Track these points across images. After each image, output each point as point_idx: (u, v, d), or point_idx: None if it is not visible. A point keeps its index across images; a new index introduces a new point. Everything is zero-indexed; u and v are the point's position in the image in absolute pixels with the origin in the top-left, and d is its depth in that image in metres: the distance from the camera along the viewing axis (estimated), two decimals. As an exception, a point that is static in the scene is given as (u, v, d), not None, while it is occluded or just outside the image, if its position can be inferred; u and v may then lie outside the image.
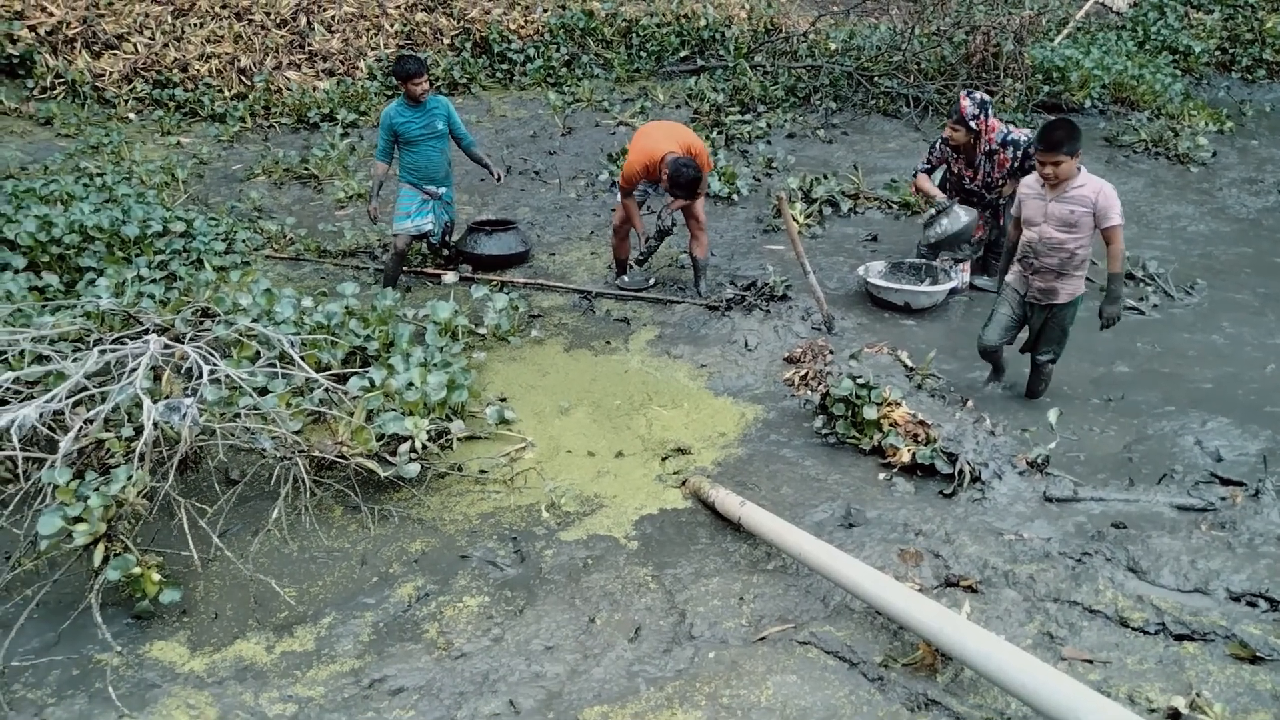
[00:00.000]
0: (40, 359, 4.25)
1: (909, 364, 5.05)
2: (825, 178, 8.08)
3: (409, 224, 6.21)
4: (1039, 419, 4.53)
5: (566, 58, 11.11)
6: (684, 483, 4.08)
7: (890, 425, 4.23)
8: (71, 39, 9.78)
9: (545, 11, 11.64)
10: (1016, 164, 5.76)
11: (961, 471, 3.97)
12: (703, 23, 11.58)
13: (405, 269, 6.50)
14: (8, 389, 3.90)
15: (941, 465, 4.02)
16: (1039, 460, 4.06)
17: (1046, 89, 9.90)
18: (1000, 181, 5.86)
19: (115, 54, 9.81)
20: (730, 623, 3.21)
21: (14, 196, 6.80)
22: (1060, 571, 3.30)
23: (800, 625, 3.17)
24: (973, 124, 5.67)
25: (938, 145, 5.99)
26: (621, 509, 3.92)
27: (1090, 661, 2.90)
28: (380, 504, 3.89)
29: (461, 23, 11.17)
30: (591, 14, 11.41)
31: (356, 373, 4.45)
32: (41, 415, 3.63)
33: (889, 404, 4.31)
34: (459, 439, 4.34)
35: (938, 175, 6.19)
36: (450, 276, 6.48)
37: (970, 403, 4.70)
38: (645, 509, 3.92)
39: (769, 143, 9.28)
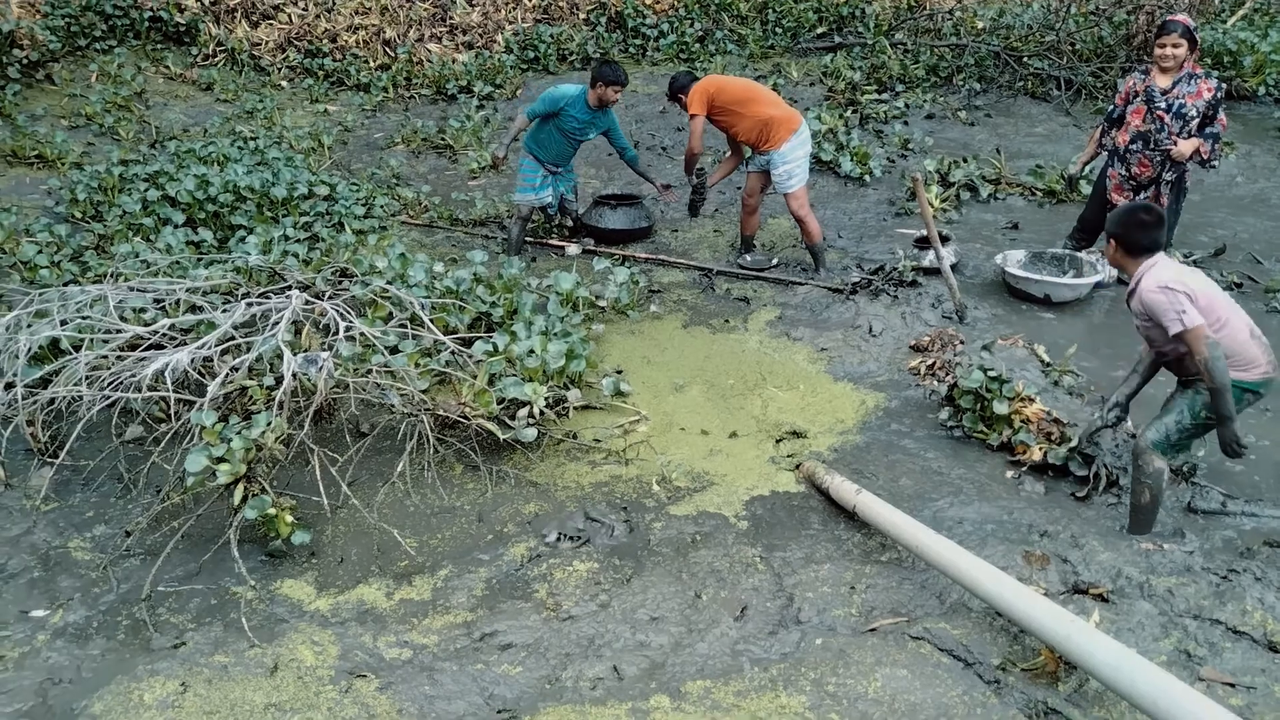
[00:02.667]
0: (194, 309, 4.53)
1: (1046, 359, 4.80)
2: (964, 161, 7.75)
3: (532, 196, 6.31)
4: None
5: (700, 33, 11.01)
6: (798, 466, 4.01)
7: (1022, 422, 4.03)
8: (233, 9, 10.33)
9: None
10: (1219, 99, 5.35)
11: (1097, 475, 3.75)
12: (842, -1, 11.25)
13: (530, 239, 6.61)
14: (164, 335, 4.18)
15: (1075, 467, 3.81)
16: (1185, 469, 3.79)
17: (1217, 74, 9.18)
18: (1194, 117, 5.39)
19: (271, 24, 10.31)
20: (840, 611, 3.14)
21: (176, 156, 7.27)
22: (1203, 587, 3.08)
23: (913, 620, 3.07)
24: (1195, 35, 5.37)
25: (1128, 80, 5.60)
26: (733, 488, 3.89)
27: (1232, 685, 2.70)
28: (498, 465, 3.99)
29: (598, -3, 11.21)
30: (729, -11, 11.25)
31: (481, 337, 4.56)
32: (193, 361, 3.88)
33: (1021, 399, 4.10)
34: (575, 408, 4.39)
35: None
36: (573, 249, 6.55)
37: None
38: (757, 490, 3.87)
39: (906, 123, 8.96)
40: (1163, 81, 5.45)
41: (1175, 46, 5.35)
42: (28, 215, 6.35)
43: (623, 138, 6.35)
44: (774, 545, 3.50)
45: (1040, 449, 3.90)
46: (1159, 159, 5.52)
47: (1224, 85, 5.54)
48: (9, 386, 3.86)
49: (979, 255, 6.34)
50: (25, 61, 8.62)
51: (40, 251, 5.37)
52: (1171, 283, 3.22)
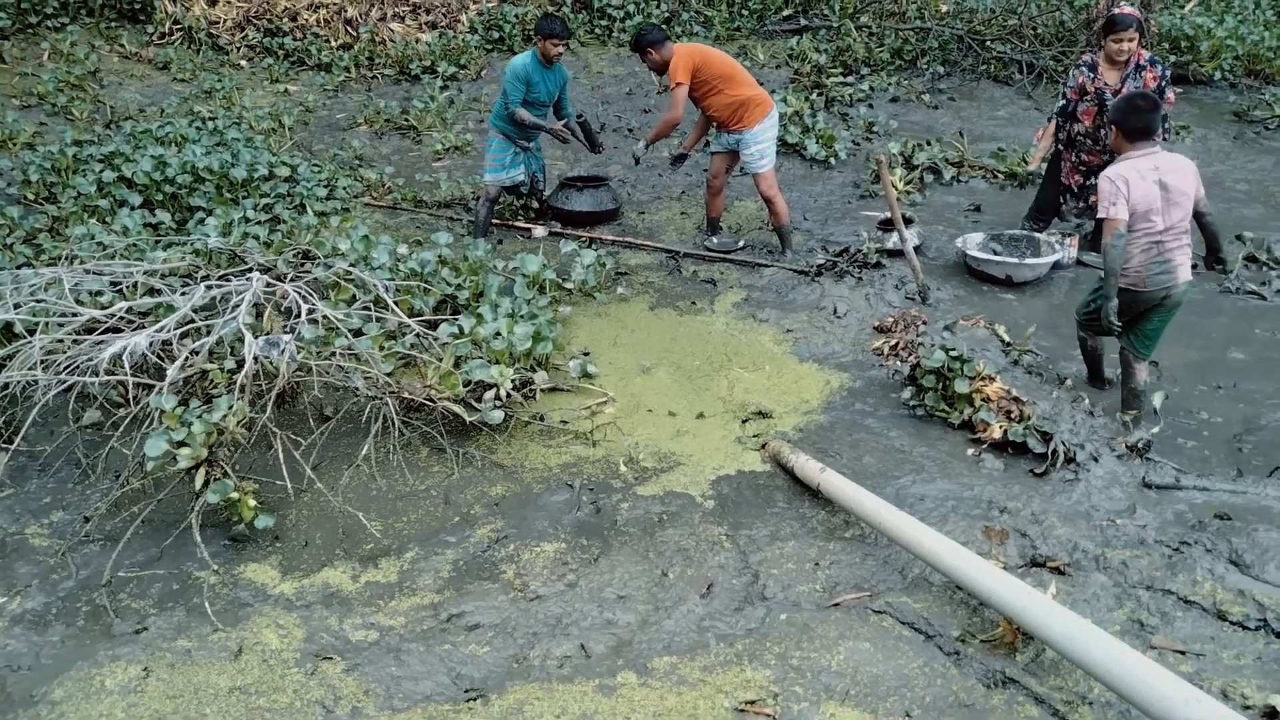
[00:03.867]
0: (152, 291, 4.46)
1: (1006, 339, 4.88)
2: (928, 144, 7.81)
3: (503, 175, 6.27)
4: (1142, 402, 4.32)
5: (666, 14, 10.96)
6: (763, 446, 4.04)
7: (982, 400, 4.10)
8: (190, -13, 10.10)
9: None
10: (1164, 83, 5.51)
11: (1055, 451, 3.82)
12: (808, -19, 11.25)
13: (496, 221, 6.57)
14: (121, 318, 4.11)
15: (1034, 444, 3.88)
16: (1140, 444, 3.88)
17: (1173, 59, 9.33)
18: None
19: (230, 2, 10.10)
20: (804, 587, 3.18)
21: (132, 137, 7.12)
22: (1155, 559, 3.17)
23: (876, 594, 3.12)
24: (1144, 25, 5.48)
25: (1077, 74, 5.65)
26: (699, 468, 3.91)
27: (1183, 653, 2.78)
28: (464, 447, 3.98)
29: (563, -23, 11.11)
30: (695, -30, 11.21)
31: (446, 320, 4.53)
32: (151, 344, 3.82)
33: (982, 378, 4.17)
34: (542, 390, 4.39)
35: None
36: (540, 231, 6.52)
37: (1069, 381, 4.52)
38: (723, 469, 3.90)
39: (871, 106, 9.01)
40: (1112, 79, 5.53)
41: (1130, 41, 5.43)
42: (-22, 197, 6.19)
43: (567, 102, 6.30)
44: (740, 524, 3.53)
45: (1000, 427, 3.97)
46: (1108, 154, 5.62)
47: (1169, 68, 5.65)
48: (-39, 371, 3.78)
49: (942, 237, 6.41)
50: (-27, 39, 8.39)
51: (-9, 234, 5.25)
52: (1115, 177, 3.88)
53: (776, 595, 3.14)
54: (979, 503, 3.57)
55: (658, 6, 10.98)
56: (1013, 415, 4.03)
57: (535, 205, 6.76)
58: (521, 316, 4.64)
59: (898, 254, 5.81)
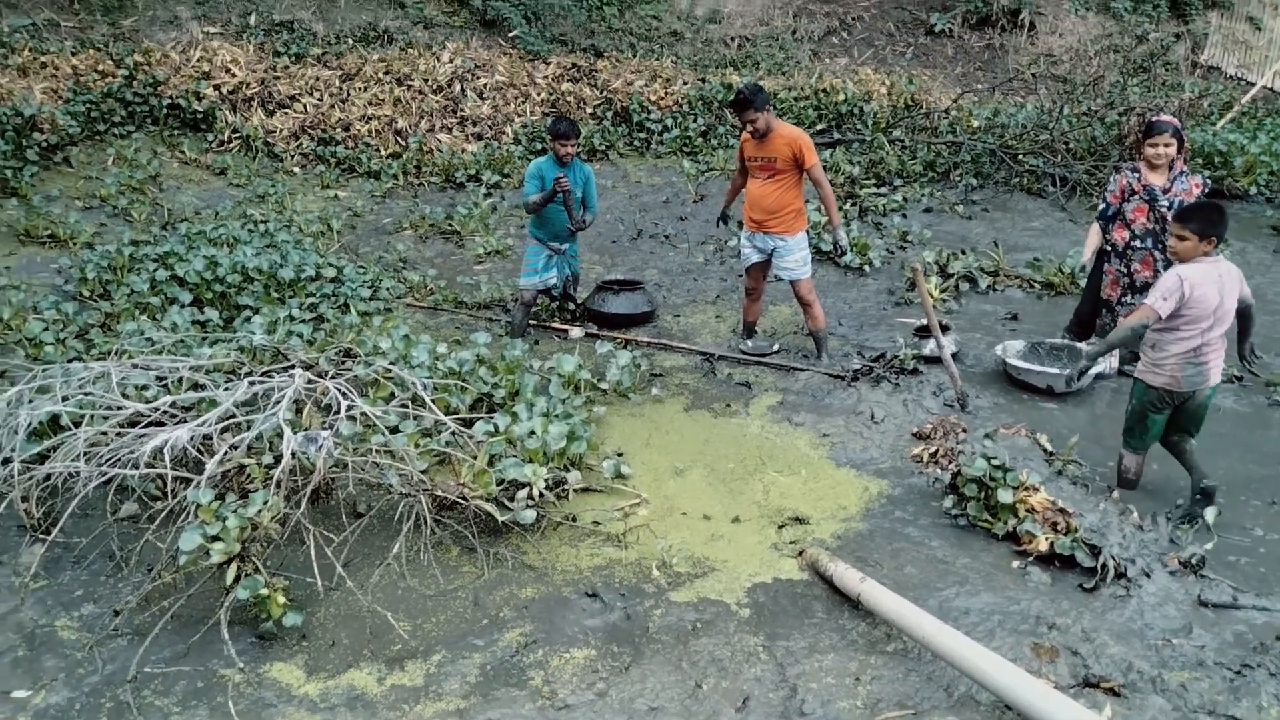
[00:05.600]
0: (196, 386, 4.54)
1: (1048, 448, 4.78)
2: (963, 253, 7.87)
3: (536, 280, 6.41)
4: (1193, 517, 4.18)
5: (703, 128, 11.35)
6: (801, 553, 3.95)
7: (1027, 511, 3.99)
8: (249, 98, 10.67)
9: (685, 84, 11.96)
10: (1205, 192, 5.57)
11: (1105, 565, 3.69)
12: (841, 97, 11.63)
13: (533, 323, 6.68)
14: (165, 412, 4.17)
15: (1082, 557, 3.75)
16: (1193, 560, 3.73)
17: (1207, 173, 9.41)
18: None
19: (287, 113, 10.63)
20: (844, 703, 3.05)
21: (187, 238, 7.39)
22: (1216, 682, 3.00)
23: (920, 713, 2.98)
24: (1183, 134, 5.58)
25: (1119, 178, 5.69)
26: (734, 574, 3.82)
27: (1252, 788, 2.60)
28: (495, 547, 3.93)
29: (604, 93, 11.59)
30: (730, 87, 11.64)
31: (482, 418, 4.55)
32: (192, 438, 3.86)
33: (1026, 488, 4.07)
34: (575, 490, 4.35)
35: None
36: (576, 332, 6.60)
37: (1116, 493, 4.40)
38: (759, 576, 3.80)
39: (904, 216, 9.14)
40: (1159, 180, 5.57)
41: (1166, 146, 5.50)
42: (36, 293, 6.42)
43: (593, 196, 6.44)
44: (777, 634, 3.42)
45: (1046, 539, 3.85)
46: (1163, 261, 5.60)
47: (1209, 181, 5.72)
48: (6, 462, 3.83)
49: (979, 345, 6.38)
50: (44, 145, 8.86)
51: (46, 328, 5.42)
52: (1186, 276, 4.00)
53: (815, 711, 3.01)
54: (1026, 618, 3.43)
55: (695, 121, 11.37)
56: (1059, 527, 3.91)
57: (571, 307, 6.87)
58: (556, 416, 4.65)
59: (935, 360, 5.78)
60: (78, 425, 3.99)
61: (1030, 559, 3.86)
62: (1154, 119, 5.65)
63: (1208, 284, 4.01)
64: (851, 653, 3.30)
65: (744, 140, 5.93)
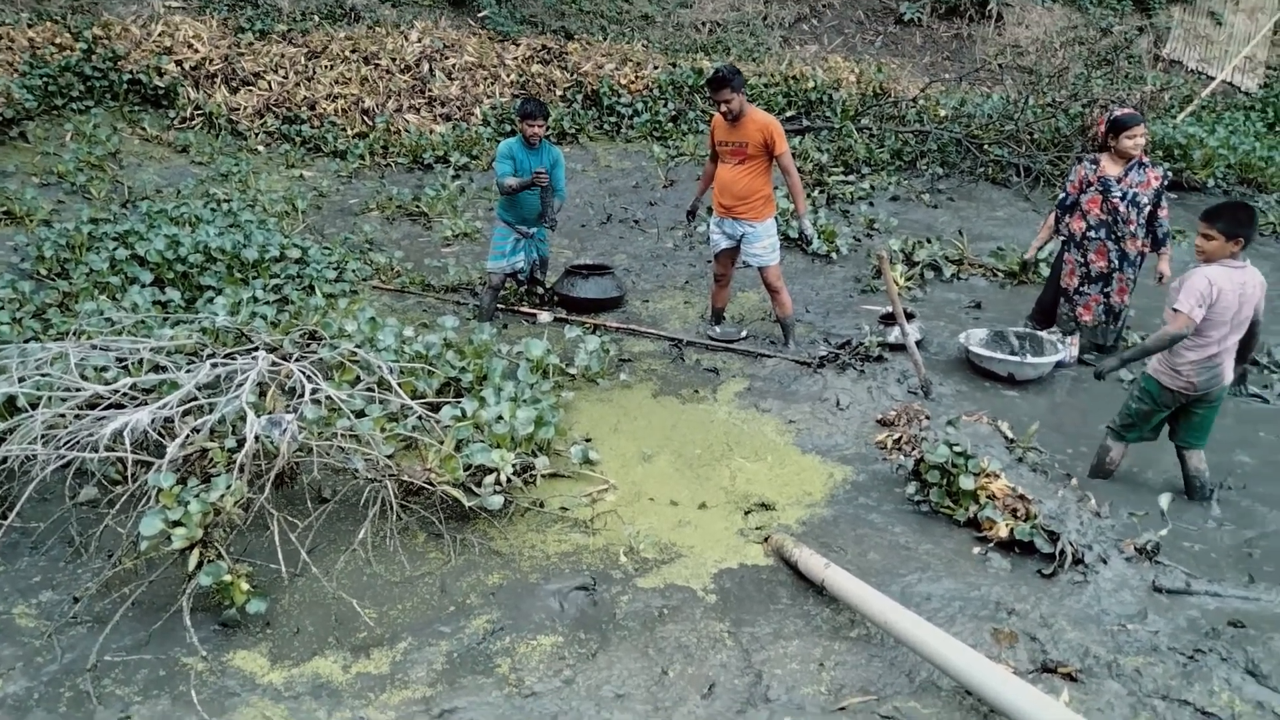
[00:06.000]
0: (157, 368, 4.46)
1: (1009, 435, 4.86)
2: (928, 241, 7.95)
3: (504, 263, 6.37)
4: (1150, 504, 4.28)
5: (673, 113, 11.32)
6: (766, 539, 3.98)
7: (988, 497, 4.06)
8: (213, 75, 10.45)
9: (656, 69, 11.90)
10: (1165, 182, 5.69)
11: (1063, 552, 3.76)
12: (810, 85, 11.66)
13: (502, 306, 6.64)
14: (125, 394, 4.10)
15: (1041, 544, 3.82)
16: (1149, 547, 3.82)
17: (1167, 166, 9.58)
18: (1146, 205, 5.66)
19: (251, 90, 10.43)
20: (809, 689, 3.09)
21: (148, 216, 7.25)
22: (1170, 667, 3.08)
23: (883, 698, 3.03)
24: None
25: (1079, 169, 5.80)
26: (700, 560, 3.85)
27: (1201, 768, 2.68)
28: (462, 533, 3.92)
29: (575, 76, 11.51)
30: (700, 72, 11.61)
31: (449, 402, 4.52)
32: (153, 421, 3.79)
33: (987, 475, 4.14)
34: (543, 475, 4.35)
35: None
36: (545, 316, 6.58)
37: (1075, 480, 4.48)
38: (725, 563, 3.83)
39: (871, 204, 9.20)
40: (1115, 171, 5.67)
41: (1143, 136, 5.64)
42: (-9, 271, 6.26)
43: (562, 180, 6.38)
44: (742, 620, 3.45)
45: (1006, 525, 3.91)
46: (1116, 252, 5.71)
47: (1169, 174, 5.83)
48: (-41, 444, 3.75)
49: (943, 333, 6.45)
50: (-1, 119, 8.62)
51: (2, 308, 5.29)
52: (1214, 279, 3.96)
53: (780, 697, 3.05)
54: (986, 603, 3.50)
55: (665, 105, 11.33)
56: (1019, 514, 3.98)
57: (540, 291, 6.84)
58: (524, 401, 4.64)
59: (899, 348, 5.85)
60: (35, 407, 3.90)
61: (990, 545, 3.93)
62: (1121, 113, 5.72)
63: (1230, 289, 3.98)
64: (816, 639, 3.34)
65: (715, 124, 5.91)
